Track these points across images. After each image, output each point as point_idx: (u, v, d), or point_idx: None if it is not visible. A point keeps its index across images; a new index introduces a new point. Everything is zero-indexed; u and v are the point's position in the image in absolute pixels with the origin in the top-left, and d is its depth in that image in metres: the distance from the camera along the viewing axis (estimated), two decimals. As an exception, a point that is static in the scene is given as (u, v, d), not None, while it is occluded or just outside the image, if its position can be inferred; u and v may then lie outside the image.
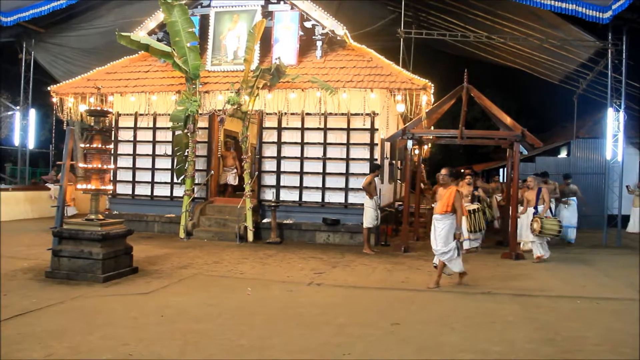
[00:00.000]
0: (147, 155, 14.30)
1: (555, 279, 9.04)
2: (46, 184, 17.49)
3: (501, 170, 26.14)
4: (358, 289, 7.94)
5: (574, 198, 13.66)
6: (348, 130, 12.94)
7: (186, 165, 13.02)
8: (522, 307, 6.98)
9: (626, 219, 16.32)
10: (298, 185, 13.18)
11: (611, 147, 14.61)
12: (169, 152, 13.87)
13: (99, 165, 8.31)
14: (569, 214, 13.52)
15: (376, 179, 11.90)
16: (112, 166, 8.62)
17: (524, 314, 6.59)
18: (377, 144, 12.85)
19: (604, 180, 15.52)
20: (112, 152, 13.70)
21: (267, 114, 13.33)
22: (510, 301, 7.29)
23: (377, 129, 12.83)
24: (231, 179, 15.13)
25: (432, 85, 12.47)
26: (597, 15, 12.71)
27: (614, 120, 14.58)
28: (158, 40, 13.80)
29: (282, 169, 13.33)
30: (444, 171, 8.33)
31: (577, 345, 5.40)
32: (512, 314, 6.58)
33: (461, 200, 7.95)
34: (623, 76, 14.24)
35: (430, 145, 19.95)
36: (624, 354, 5.16)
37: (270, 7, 13.71)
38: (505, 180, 15.50)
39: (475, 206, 11.81)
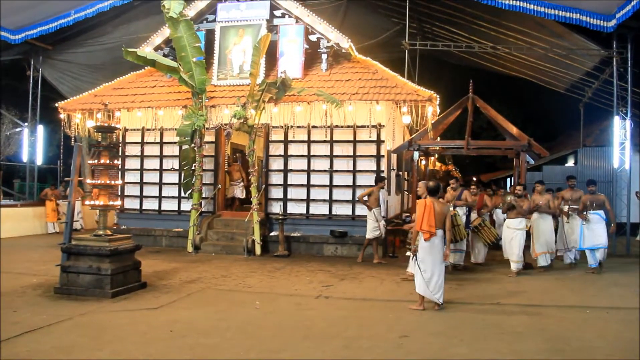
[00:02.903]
0: (155, 169, 14.36)
1: (564, 289, 8.98)
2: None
3: (508, 179, 26.09)
4: (366, 302, 7.92)
5: (599, 212, 10.65)
6: (354, 142, 12.96)
7: (193, 180, 13.06)
8: (532, 317, 6.94)
9: (635, 227, 16.21)
10: (305, 198, 13.19)
11: (618, 155, 14.56)
12: (176, 166, 13.93)
13: (107, 181, 8.36)
14: (590, 233, 10.53)
15: (383, 190, 11.89)
16: (119, 181, 8.64)
17: (533, 325, 6.55)
18: (383, 156, 12.86)
19: (612, 188, 15.46)
20: (120, 167, 13.76)
21: (273, 127, 13.36)
22: (519, 312, 7.25)
23: (384, 141, 12.84)
24: (238, 192, 15.18)
25: (438, 96, 12.47)
26: (601, 24, 12.73)
27: (620, 128, 14.55)
28: (164, 55, 13.90)
29: (289, 182, 13.35)
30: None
31: (588, 356, 5.35)
32: (521, 324, 6.54)
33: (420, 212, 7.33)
34: (629, 84, 14.23)
35: (437, 156, 19.95)
36: (635, 365, 5.13)
37: (275, 21, 13.81)
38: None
39: None
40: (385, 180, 12.10)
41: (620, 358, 5.33)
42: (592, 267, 10.44)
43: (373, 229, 11.61)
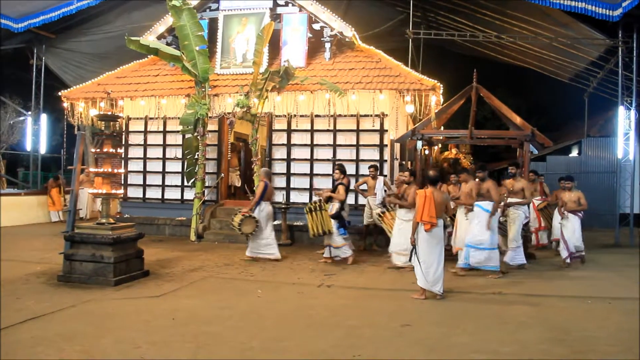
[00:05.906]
0: (158, 158, 14.38)
1: (566, 279, 8.98)
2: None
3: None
4: (368, 291, 7.94)
5: (482, 204, 8.86)
6: (357, 131, 12.94)
7: (196, 168, 13.06)
8: (534, 307, 6.95)
9: (638, 217, 16.17)
10: (308, 187, 13.18)
11: (622, 146, 14.50)
12: (179, 155, 13.94)
13: (110, 170, 8.36)
14: (470, 228, 9.05)
15: (381, 179, 11.69)
16: (122, 170, 8.65)
17: (535, 315, 6.56)
18: (386, 145, 12.84)
19: (616, 178, 15.41)
20: (123, 156, 13.77)
21: (276, 116, 13.36)
22: (521, 302, 7.26)
23: (387, 130, 12.82)
24: (235, 180, 15.15)
25: (441, 85, 12.45)
26: (607, 13, 12.60)
27: (625, 119, 14.47)
28: (167, 44, 13.89)
29: (292, 171, 13.36)
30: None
31: (589, 346, 5.36)
32: (523, 314, 6.55)
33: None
34: (634, 74, 14.13)
35: (440, 145, 19.89)
36: (636, 354, 5.12)
37: (279, 10, 13.75)
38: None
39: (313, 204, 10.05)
40: (376, 170, 11.75)
41: (621, 348, 5.33)
42: (460, 266, 9.02)
43: (367, 215, 11.66)
